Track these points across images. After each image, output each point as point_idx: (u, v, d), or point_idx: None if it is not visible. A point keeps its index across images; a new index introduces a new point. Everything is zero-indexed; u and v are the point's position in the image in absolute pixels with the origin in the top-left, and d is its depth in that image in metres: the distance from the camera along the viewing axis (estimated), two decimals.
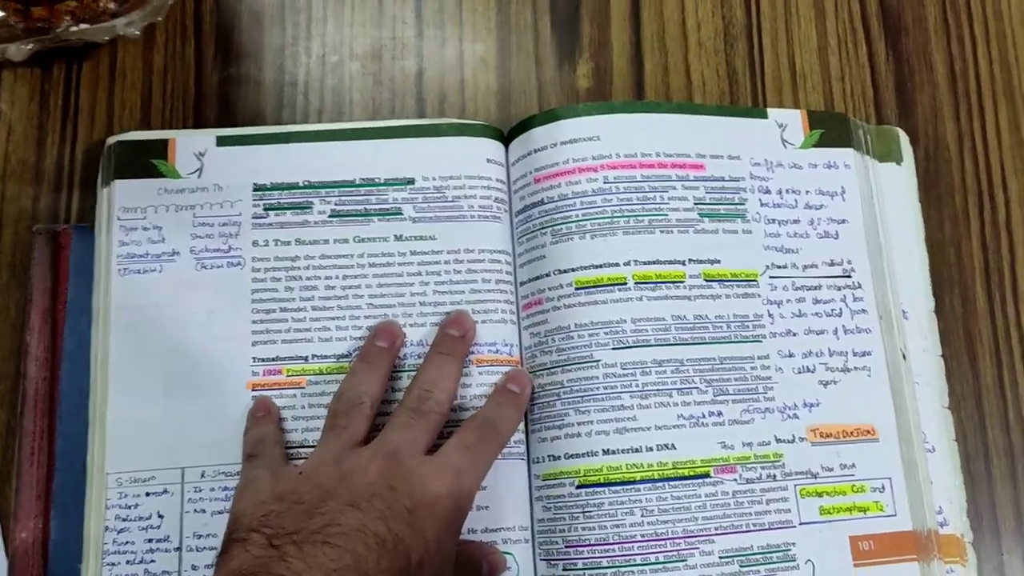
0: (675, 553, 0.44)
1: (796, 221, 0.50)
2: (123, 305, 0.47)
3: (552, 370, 0.47)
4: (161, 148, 0.50)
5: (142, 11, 0.51)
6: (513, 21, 0.55)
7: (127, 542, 0.45)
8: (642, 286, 0.47)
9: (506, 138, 0.51)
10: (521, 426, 0.47)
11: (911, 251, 0.52)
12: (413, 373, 0.46)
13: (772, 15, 0.56)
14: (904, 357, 0.49)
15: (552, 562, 0.45)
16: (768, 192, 0.50)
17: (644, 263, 0.48)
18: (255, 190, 0.49)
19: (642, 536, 0.44)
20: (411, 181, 0.50)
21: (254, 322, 0.48)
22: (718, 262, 0.49)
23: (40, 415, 0.47)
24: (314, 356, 0.48)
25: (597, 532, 0.45)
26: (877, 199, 0.52)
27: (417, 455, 0.42)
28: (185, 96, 0.53)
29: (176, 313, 0.47)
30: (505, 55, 0.55)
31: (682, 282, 0.48)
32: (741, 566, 0.45)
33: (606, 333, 0.47)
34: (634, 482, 0.45)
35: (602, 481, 0.45)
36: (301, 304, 0.48)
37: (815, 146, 0.52)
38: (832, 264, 0.50)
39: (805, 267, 0.50)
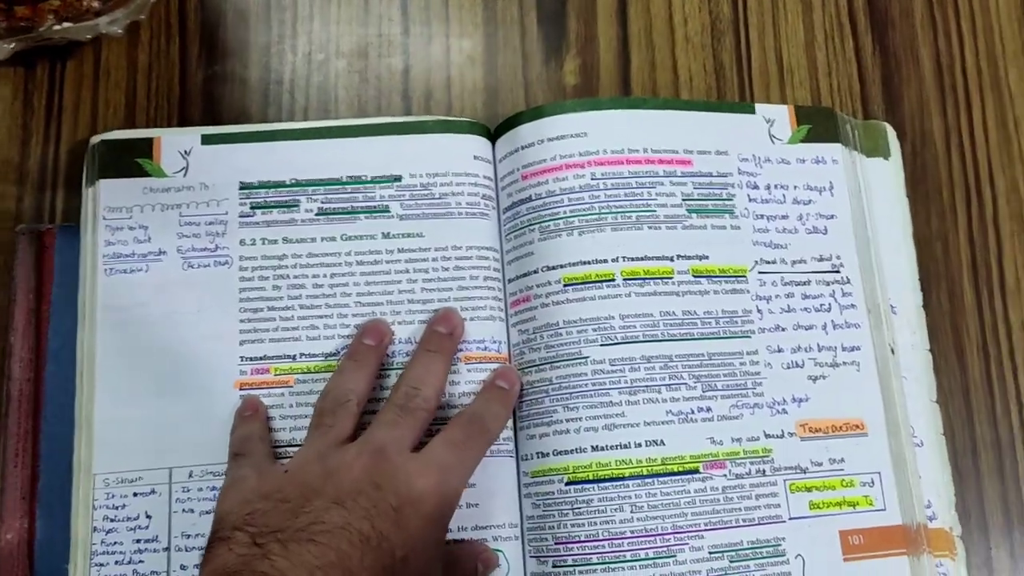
0: (665, 549, 0.44)
1: (784, 216, 0.50)
2: (109, 305, 0.47)
3: (541, 367, 0.47)
4: (146, 147, 0.49)
5: (125, 9, 0.51)
6: (499, 17, 0.55)
7: (115, 543, 0.45)
8: (630, 282, 0.47)
9: (493, 135, 0.51)
10: (510, 423, 0.47)
11: (899, 246, 0.52)
12: (401, 371, 0.46)
13: (759, 10, 0.56)
14: (893, 352, 0.49)
15: (542, 559, 0.45)
16: (756, 187, 0.50)
17: (632, 259, 0.48)
18: (241, 188, 0.49)
19: (632, 532, 0.44)
20: (398, 178, 0.50)
21: (241, 321, 0.48)
22: (706, 258, 0.49)
23: (24, 416, 0.47)
24: (302, 355, 0.47)
25: (587, 528, 0.45)
26: (865, 194, 0.52)
27: (403, 452, 0.42)
28: (170, 94, 0.52)
29: (163, 313, 0.47)
30: (491, 52, 0.54)
31: (670, 278, 0.48)
32: (731, 561, 0.45)
33: (594, 330, 0.47)
34: (623, 478, 0.45)
35: (591, 478, 0.45)
36: (289, 303, 0.48)
37: (803, 141, 0.52)
38: (821, 259, 0.50)
39: (794, 262, 0.50)
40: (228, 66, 0.53)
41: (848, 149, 0.52)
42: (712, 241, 0.49)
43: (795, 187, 0.51)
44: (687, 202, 0.49)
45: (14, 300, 0.48)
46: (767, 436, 0.47)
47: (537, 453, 0.46)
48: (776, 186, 0.51)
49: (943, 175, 0.54)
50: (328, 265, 0.48)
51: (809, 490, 0.47)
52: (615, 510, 0.45)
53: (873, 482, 0.47)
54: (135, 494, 0.45)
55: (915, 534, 0.47)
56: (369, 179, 0.50)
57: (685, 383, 0.47)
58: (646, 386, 0.46)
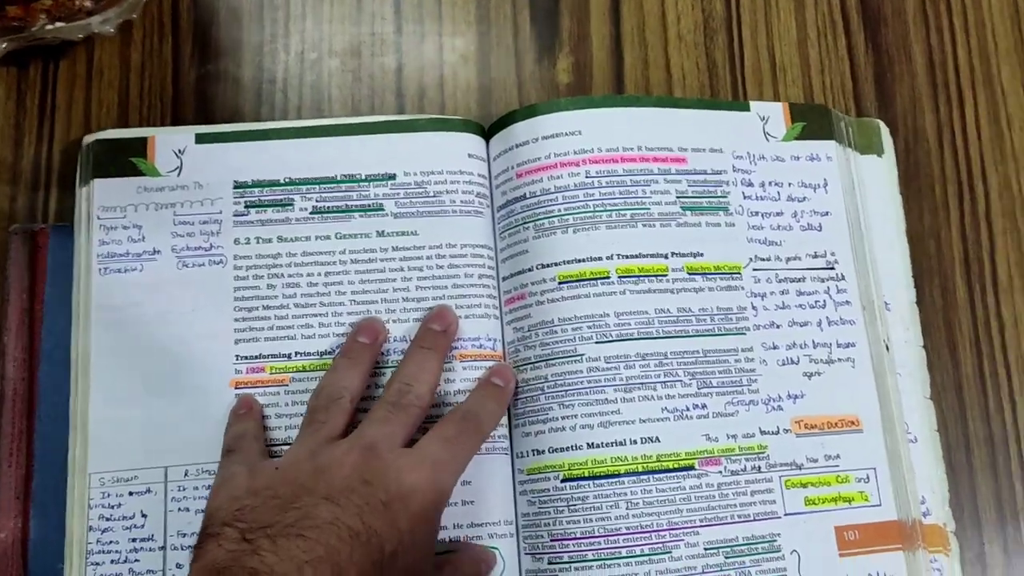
0: (660, 545, 0.44)
1: (779, 213, 0.50)
2: (104, 304, 0.47)
3: (536, 364, 0.47)
4: (140, 146, 0.49)
5: (118, 8, 0.51)
6: (492, 16, 0.55)
7: (111, 542, 0.45)
8: (625, 280, 0.47)
9: (487, 133, 0.51)
10: (505, 420, 0.47)
11: (892, 243, 0.52)
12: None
13: (752, 8, 0.56)
14: (887, 348, 0.49)
15: (538, 556, 0.45)
16: (751, 185, 0.50)
17: (627, 257, 0.48)
18: (236, 187, 0.49)
19: (627, 529, 0.45)
20: (392, 177, 0.50)
21: (236, 320, 0.47)
22: (701, 255, 0.49)
23: (19, 415, 0.46)
24: (297, 353, 0.47)
25: (582, 525, 0.45)
26: (859, 191, 0.52)
27: (394, 448, 0.42)
28: (163, 94, 0.52)
29: (158, 312, 0.47)
30: (485, 50, 0.54)
31: (665, 275, 0.48)
32: (726, 557, 0.45)
33: (589, 327, 0.47)
34: (619, 475, 0.45)
35: (587, 475, 0.45)
36: (284, 301, 0.48)
37: (797, 139, 0.52)
38: (815, 256, 0.50)
39: (788, 259, 0.50)
40: (221, 65, 0.53)
41: (842, 146, 0.52)
42: (707, 238, 0.49)
43: (789, 184, 0.51)
44: (681, 200, 0.49)
45: (7, 300, 0.48)
46: (762, 433, 0.47)
47: (533, 450, 0.46)
48: (770, 183, 0.51)
49: (936, 172, 0.54)
50: (323, 264, 0.48)
51: (804, 486, 0.47)
52: (611, 507, 0.45)
53: (868, 478, 0.47)
54: (131, 493, 0.45)
55: (910, 530, 0.47)
56: (363, 177, 0.50)
57: (680, 380, 0.47)
58: (641, 383, 0.46)
